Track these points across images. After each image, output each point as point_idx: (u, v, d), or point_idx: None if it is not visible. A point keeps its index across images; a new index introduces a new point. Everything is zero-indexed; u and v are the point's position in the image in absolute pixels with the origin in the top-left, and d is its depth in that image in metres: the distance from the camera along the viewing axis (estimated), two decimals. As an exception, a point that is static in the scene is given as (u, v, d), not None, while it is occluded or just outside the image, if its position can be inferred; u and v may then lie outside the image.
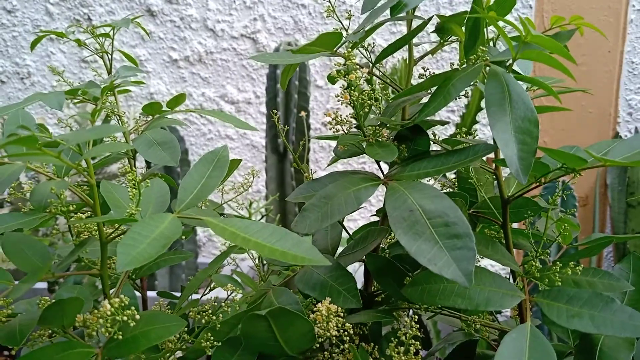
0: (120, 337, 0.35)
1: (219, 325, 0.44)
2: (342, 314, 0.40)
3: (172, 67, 2.00)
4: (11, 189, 0.67)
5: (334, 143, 1.99)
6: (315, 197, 0.43)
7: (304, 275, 0.48)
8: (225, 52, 1.99)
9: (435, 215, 0.37)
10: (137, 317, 0.34)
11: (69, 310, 0.40)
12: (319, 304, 0.40)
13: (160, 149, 0.52)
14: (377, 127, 0.45)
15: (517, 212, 0.49)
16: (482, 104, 1.38)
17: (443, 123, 0.48)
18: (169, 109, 0.66)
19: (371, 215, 0.59)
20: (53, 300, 0.41)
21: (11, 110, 0.47)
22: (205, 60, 1.98)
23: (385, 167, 0.49)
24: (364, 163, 2.06)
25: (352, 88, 0.43)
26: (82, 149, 0.38)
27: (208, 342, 0.43)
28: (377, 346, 0.45)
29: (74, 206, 0.41)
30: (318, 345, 0.44)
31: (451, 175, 1.01)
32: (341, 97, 0.45)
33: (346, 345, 0.43)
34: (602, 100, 1.66)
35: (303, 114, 1.28)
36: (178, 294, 0.66)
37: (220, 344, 0.43)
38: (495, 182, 0.50)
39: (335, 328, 0.40)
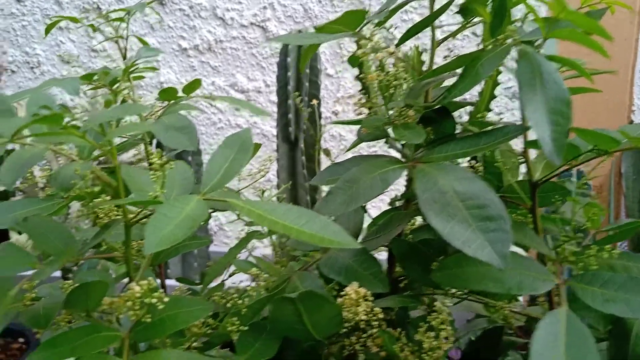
0: (149, 319, 0.34)
1: (244, 310, 0.43)
2: (371, 298, 0.40)
3: (181, 56, 1.99)
4: (29, 175, 0.67)
5: (344, 132, 1.98)
6: (340, 181, 0.42)
7: (328, 259, 0.47)
8: (234, 41, 1.98)
9: (467, 197, 0.36)
10: (166, 299, 0.34)
11: (93, 293, 0.39)
12: (348, 288, 0.39)
13: (178, 134, 0.51)
14: (403, 109, 0.44)
15: (545, 196, 0.48)
16: (496, 91, 1.37)
17: (471, 104, 0.47)
18: (184, 95, 0.66)
19: (394, 199, 0.58)
20: (77, 284, 0.40)
21: (27, 95, 0.46)
22: (214, 49, 1.97)
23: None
24: (375, 152, 2.05)
25: (378, 68, 0.42)
26: (105, 130, 0.37)
27: (234, 327, 0.42)
28: (404, 332, 0.45)
29: (96, 189, 0.40)
30: (345, 330, 0.43)
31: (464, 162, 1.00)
32: (363, 79, 0.44)
33: (374, 331, 0.42)
34: (617, 89, 1.64)
35: (315, 102, 1.27)
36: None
37: (246, 328, 0.43)
38: (521, 166, 0.49)
39: (364, 312, 0.39)
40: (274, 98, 2.11)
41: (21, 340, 1.04)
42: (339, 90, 2.08)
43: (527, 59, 0.40)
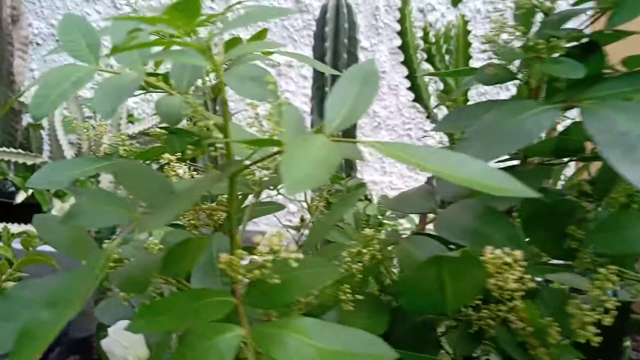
0: (277, 280, 0.28)
1: (359, 276, 0.37)
2: (524, 264, 0.33)
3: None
4: (85, 131, 0.61)
5: (378, 109, 1.89)
6: (478, 125, 0.35)
7: (446, 221, 0.41)
8: (267, 12, 1.90)
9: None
10: (300, 256, 0.27)
11: (193, 252, 0.33)
12: (498, 251, 0.33)
13: (254, 84, 0.45)
14: (552, 40, 0.37)
15: None
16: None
17: (628, 34, 0.40)
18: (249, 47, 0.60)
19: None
20: (171, 243, 0.34)
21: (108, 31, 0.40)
22: (246, 20, 1.89)
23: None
24: (409, 129, 1.98)
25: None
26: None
27: (346, 296, 0.36)
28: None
29: (209, 123, 0.34)
30: (480, 300, 0.37)
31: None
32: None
33: (518, 302, 0.35)
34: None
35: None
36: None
37: (362, 297, 0.37)
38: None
39: (514, 280, 0.33)
40: (305, 72, 2.04)
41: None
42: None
43: None
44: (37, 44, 2.08)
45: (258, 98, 0.45)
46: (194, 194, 0.26)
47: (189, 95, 0.31)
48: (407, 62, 1.22)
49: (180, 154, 0.58)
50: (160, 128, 0.63)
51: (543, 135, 0.45)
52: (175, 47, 0.30)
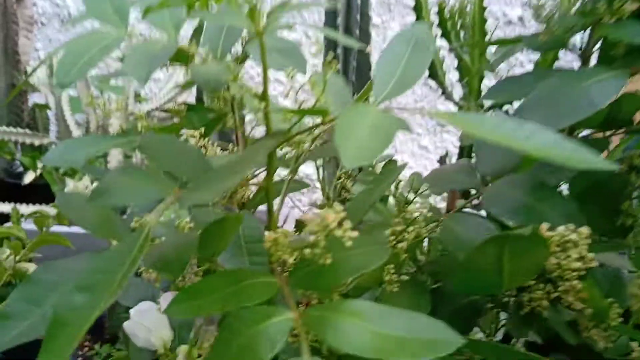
0: (329, 260, 0.26)
1: (404, 255, 0.35)
2: (588, 241, 0.31)
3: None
4: (102, 105, 0.58)
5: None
6: (536, 94, 0.33)
7: (495, 198, 0.38)
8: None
9: None
10: (354, 234, 0.25)
11: (230, 230, 0.31)
12: (561, 228, 0.30)
13: (282, 56, 0.42)
14: (614, 2, 0.34)
15: None
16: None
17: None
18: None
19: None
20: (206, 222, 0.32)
21: None
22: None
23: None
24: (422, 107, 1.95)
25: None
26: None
27: (392, 276, 0.34)
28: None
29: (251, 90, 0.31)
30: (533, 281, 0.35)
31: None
32: None
33: (574, 282, 0.33)
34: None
35: (370, 49, 1.17)
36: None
37: (407, 278, 0.34)
38: None
39: (576, 259, 0.31)
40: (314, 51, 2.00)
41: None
42: (385, 41, 1.95)
43: None
44: (42, 23, 2.05)
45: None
46: (244, 167, 0.24)
47: (229, 61, 0.29)
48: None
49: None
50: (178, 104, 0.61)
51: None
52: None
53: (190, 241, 0.30)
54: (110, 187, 0.27)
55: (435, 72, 1.15)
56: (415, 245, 0.39)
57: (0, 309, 0.29)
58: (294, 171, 0.35)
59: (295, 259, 0.29)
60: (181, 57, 0.58)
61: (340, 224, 0.24)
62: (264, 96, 0.29)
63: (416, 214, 0.36)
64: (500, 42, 0.48)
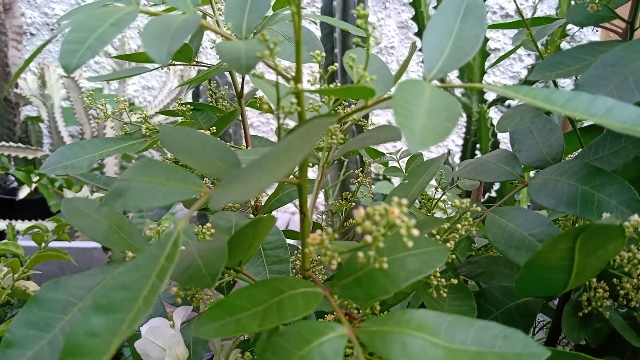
0: (385, 265, 0.22)
1: (452, 256, 0.31)
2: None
3: None
4: (102, 108, 0.54)
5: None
6: (598, 67, 0.29)
7: (544, 187, 0.35)
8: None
9: None
10: (416, 232, 0.21)
11: (260, 235, 0.27)
12: (635, 216, 0.27)
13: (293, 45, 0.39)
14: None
15: None
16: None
17: None
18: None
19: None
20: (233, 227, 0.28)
21: None
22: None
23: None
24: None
25: None
26: None
27: (440, 280, 0.30)
28: None
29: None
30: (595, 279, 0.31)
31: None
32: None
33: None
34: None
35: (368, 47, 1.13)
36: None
37: (455, 281, 0.31)
38: None
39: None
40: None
41: None
42: (381, 37, 1.93)
43: None
44: (31, 34, 2.00)
45: (305, 60, 0.40)
46: (296, 154, 0.20)
47: (264, 35, 0.25)
48: (421, 34, 1.16)
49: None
50: (183, 104, 0.57)
51: None
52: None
53: (219, 247, 0.26)
54: (129, 187, 0.23)
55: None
56: (458, 244, 0.36)
57: (0, 334, 0.25)
58: (328, 165, 0.31)
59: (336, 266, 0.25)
60: (185, 52, 0.54)
61: (402, 221, 0.20)
62: (297, 77, 0.26)
63: (462, 210, 0.32)
64: (495, 27, 0.45)
